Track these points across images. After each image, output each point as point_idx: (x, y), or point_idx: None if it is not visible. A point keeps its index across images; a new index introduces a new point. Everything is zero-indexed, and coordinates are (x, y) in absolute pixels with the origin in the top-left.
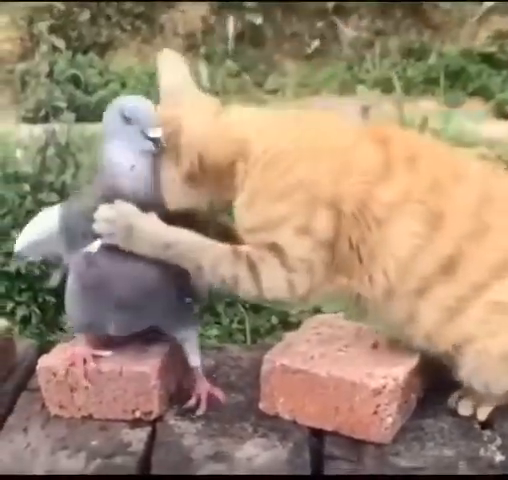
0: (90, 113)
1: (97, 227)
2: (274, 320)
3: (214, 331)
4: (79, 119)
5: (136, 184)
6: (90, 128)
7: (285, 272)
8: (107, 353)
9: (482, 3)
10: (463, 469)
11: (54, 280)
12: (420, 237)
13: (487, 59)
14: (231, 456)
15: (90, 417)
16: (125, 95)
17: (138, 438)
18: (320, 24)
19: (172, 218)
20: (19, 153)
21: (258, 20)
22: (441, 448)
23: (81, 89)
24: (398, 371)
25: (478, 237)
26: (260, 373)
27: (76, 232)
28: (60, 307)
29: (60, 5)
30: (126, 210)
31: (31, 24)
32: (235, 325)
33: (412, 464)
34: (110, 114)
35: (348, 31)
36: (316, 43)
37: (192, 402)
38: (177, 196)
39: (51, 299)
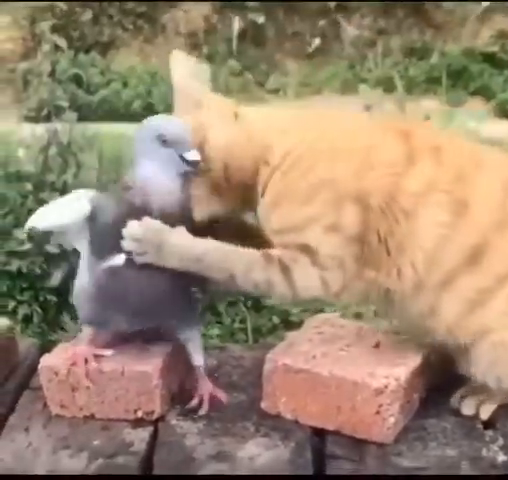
0: (92, 112)
1: (126, 245)
2: (275, 319)
3: (216, 330)
4: (81, 118)
5: (168, 201)
6: (92, 127)
7: (317, 270)
8: (108, 352)
9: (481, 2)
10: (465, 469)
11: (55, 279)
12: (446, 227)
13: (489, 59)
14: (233, 456)
15: (92, 417)
16: (159, 114)
17: (140, 438)
18: (322, 23)
19: (200, 226)
20: (21, 152)
21: (260, 19)
22: (443, 448)
23: (83, 88)
24: (400, 371)
25: (503, 227)
26: (262, 372)
27: (103, 233)
28: (62, 306)
29: (62, 5)
30: (155, 228)
31: (33, 24)
32: (237, 324)
33: (414, 464)
34: (145, 134)
35: (351, 29)
36: (317, 42)
37: (194, 402)
38: (204, 206)
39: (52, 298)
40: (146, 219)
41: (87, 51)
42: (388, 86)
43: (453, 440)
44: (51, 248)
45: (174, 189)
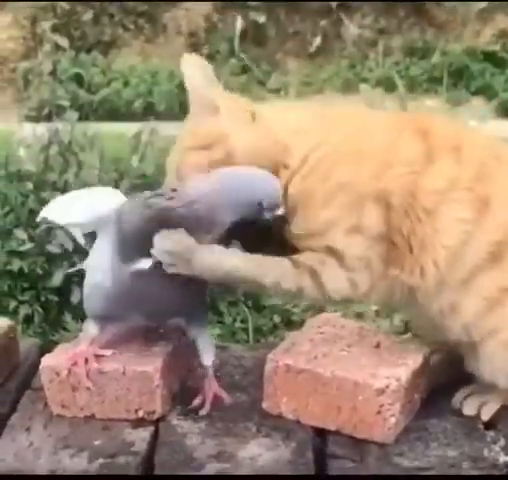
0: (93, 112)
1: (157, 255)
2: (277, 319)
3: (217, 330)
4: (82, 118)
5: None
6: (93, 127)
7: (345, 272)
8: (109, 352)
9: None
10: (467, 469)
11: (57, 279)
12: (468, 224)
13: (490, 58)
14: (234, 456)
15: (93, 417)
16: (258, 172)
17: (141, 438)
18: (323, 23)
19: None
20: (22, 152)
21: (261, 19)
22: (445, 448)
23: (84, 88)
24: (401, 371)
25: None
26: (263, 373)
27: (132, 237)
28: (63, 306)
29: (64, 4)
30: (184, 243)
31: (34, 23)
32: (238, 324)
33: (415, 464)
34: (245, 198)
35: (352, 28)
36: (318, 40)
37: (197, 402)
38: None
39: (54, 298)
40: (176, 234)
41: (88, 50)
42: (389, 85)
43: (454, 440)
44: (52, 248)
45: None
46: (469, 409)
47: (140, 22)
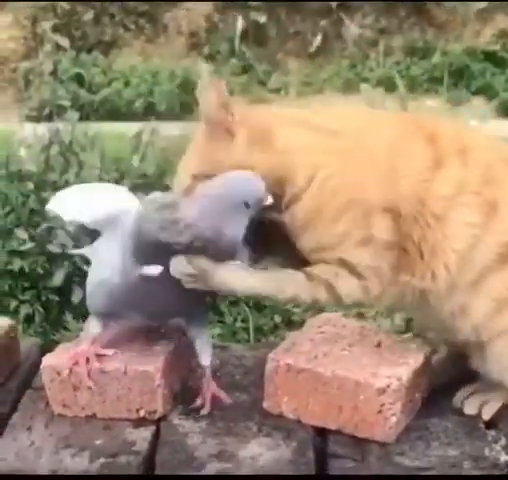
0: (94, 112)
1: (176, 275)
2: (277, 319)
3: (217, 330)
4: (83, 118)
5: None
6: (94, 127)
7: (357, 280)
8: (110, 352)
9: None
10: (468, 469)
11: (57, 279)
12: (477, 227)
13: (491, 57)
14: (235, 455)
15: (94, 416)
16: (239, 173)
17: (142, 437)
18: (324, 23)
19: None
20: (23, 152)
21: (262, 19)
22: (446, 448)
23: (85, 88)
24: (402, 370)
25: None
26: (264, 372)
27: (149, 242)
28: (64, 306)
29: (64, 4)
30: (201, 266)
31: (35, 23)
32: (238, 324)
33: (416, 463)
34: (229, 199)
35: (353, 28)
36: (318, 39)
37: (199, 402)
38: None
39: (54, 298)
40: (193, 259)
41: (89, 50)
42: (390, 85)
43: (455, 440)
44: (53, 248)
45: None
46: (470, 408)
47: (141, 22)
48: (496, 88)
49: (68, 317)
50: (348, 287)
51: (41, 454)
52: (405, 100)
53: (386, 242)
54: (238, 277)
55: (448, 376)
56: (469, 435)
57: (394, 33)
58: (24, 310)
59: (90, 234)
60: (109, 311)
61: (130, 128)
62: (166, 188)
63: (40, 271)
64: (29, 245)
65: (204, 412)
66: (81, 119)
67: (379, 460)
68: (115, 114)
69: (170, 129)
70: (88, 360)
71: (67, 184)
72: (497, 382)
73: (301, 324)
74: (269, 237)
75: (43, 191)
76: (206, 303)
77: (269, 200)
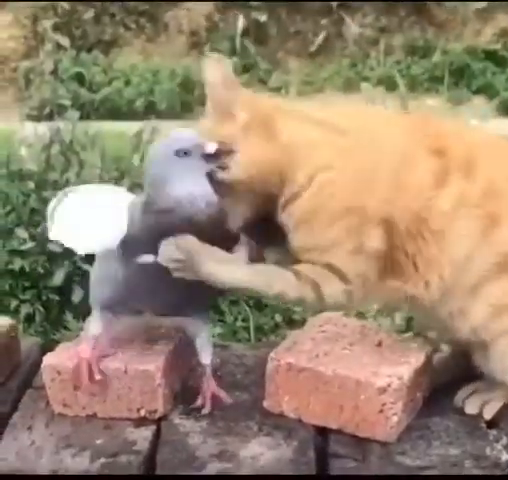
0: (94, 111)
1: (163, 262)
2: (278, 318)
3: (218, 329)
4: (83, 117)
5: (213, 209)
6: (94, 126)
7: (343, 285)
8: (112, 351)
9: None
10: (469, 468)
11: (58, 278)
12: (476, 238)
13: (491, 57)
14: (236, 455)
15: (94, 416)
16: (159, 137)
17: (143, 437)
18: (324, 22)
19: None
20: (23, 151)
21: (262, 18)
22: (447, 447)
23: (85, 87)
24: (403, 370)
25: None
26: (265, 371)
27: (138, 237)
28: (64, 305)
29: (65, 3)
30: (191, 249)
31: (35, 22)
32: (239, 323)
33: (417, 463)
34: (163, 155)
35: (353, 27)
36: (321, 37)
37: (200, 402)
38: (238, 215)
39: (55, 297)
40: (181, 240)
41: (89, 50)
42: (390, 84)
43: (456, 439)
44: (54, 247)
45: (211, 194)
46: (471, 408)
47: (141, 21)
48: (497, 87)
49: (68, 317)
50: (333, 290)
51: (41, 454)
52: (405, 99)
53: (376, 251)
54: (227, 268)
55: (449, 375)
56: (470, 434)
57: (394, 32)
58: (24, 309)
59: None
60: (112, 303)
61: (131, 127)
62: None
63: (40, 270)
64: (29, 244)
65: (205, 411)
66: (82, 118)
67: (380, 459)
68: (116, 113)
69: (171, 128)
70: (90, 366)
71: (68, 183)
72: (499, 381)
73: (302, 323)
74: (270, 236)
75: (44, 190)
76: (207, 301)
77: (210, 147)
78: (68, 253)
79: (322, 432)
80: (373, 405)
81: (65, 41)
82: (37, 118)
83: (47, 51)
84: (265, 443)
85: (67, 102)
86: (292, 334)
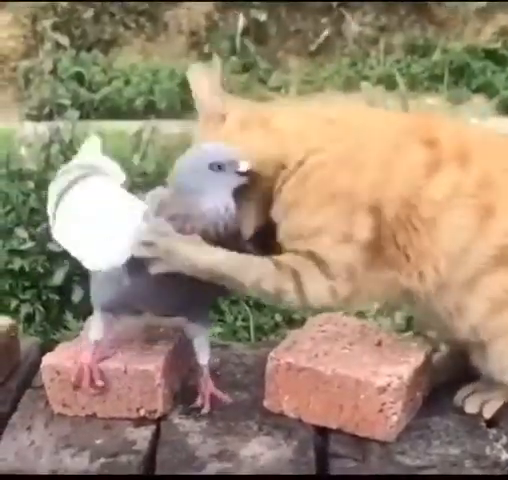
0: (94, 110)
1: (137, 252)
2: (278, 317)
3: (218, 329)
4: (83, 116)
5: (230, 222)
6: (94, 125)
7: (326, 280)
8: (111, 352)
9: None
10: (469, 467)
11: (58, 278)
12: (471, 230)
13: (491, 55)
14: (236, 455)
15: (94, 416)
16: (199, 145)
17: (142, 437)
18: (324, 20)
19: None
20: (23, 150)
21: (262, 17)
22: (447, 446)
23: (85, 86)
24: (403, 369)
25: None
26: (265, 371)
27: None
28: (64, 305)
29: (64, 3)
30: (165, 234)
31: (35, 22)
32: (239, 323)
33: (417, 462)
34: (194, 169)
35: (354, 26)
36: (323, 36)
37: (199, 401)
38: (251, 221)
39: (55, 297)
40: (156, 223)
41: (89, 49)
42: (390, 83)
43: (456, 438)
44: (53, 247)
45: (233, 207)
46: (471, 407)
47: (141, 21)
48: (496, 86)
49: (68, 316)
50: (316, 286)
51: (41, 454)
52: (405, 98)
53: (364, 242)
54: (203, 251)
55: (449, 375)
56: (470, 434)
57: (394, 31)
58: (24, 309)
59: None
60: (115, 306)
61: (130, 126)
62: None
63: (40, 270)
64: (29, 244)
65: (204, 411)
66: (81, 118)
67: (380, 459)
68: (115, 113)
69: (170, 127)
70: (91, 371)
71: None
72: (498, 381)
73: (302, 323)
74: (272, 239)
75: (43, 190)
76: (207, 302)
77: (244, 165)
78: (68, 253)
79: (322, 432)
80: (373, 405)
81: (65, 40)
82: (37, 118)
83: (47, 50)
84: (265, 443)
85: (67, 102)
86: (292, 334)
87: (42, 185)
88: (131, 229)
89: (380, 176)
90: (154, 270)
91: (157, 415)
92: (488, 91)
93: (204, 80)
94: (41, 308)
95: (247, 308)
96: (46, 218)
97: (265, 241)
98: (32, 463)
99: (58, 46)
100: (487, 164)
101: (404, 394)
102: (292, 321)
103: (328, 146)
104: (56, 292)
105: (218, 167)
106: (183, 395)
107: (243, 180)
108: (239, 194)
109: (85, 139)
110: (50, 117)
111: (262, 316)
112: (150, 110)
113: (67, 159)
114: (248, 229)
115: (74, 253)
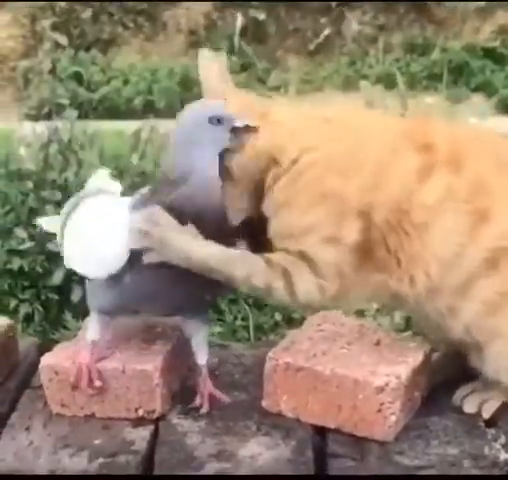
0: (93, 110)
1: (132, 243)
2: (278, 317)
3: (218, 328)
4: (82, 116)
5: (214, 193)
6: (93, 125)
7: (314, 278)
8: (108, 352)
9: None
10: (467, 467)
11: (57, 278)
12: (464, 235)
13: (490, 54)
14: (234, 455)
15: (93, 416)
16: (190, 102)
17: (141, 437)
18: (323, 20)
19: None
20: (22, 150)
21: (261, 16)
22: (445, 446)
23: (84, 86)
24: (401, 369)
25: None
26: (263, 371)
27: None
28: (63, 305)
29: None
30: (159, 219)
31: (34, 21)
32: (239, 322)
33: (416, 462)
34: (195, 121)
35: (354, 23)
36: (324, 34)
37: (198, 401)
38: (237, 209)
39: (54, 297)
40: (148, 212)
41: (88, 49)
42: (389, 82)
43: (455, 438)
44: (52, 246)
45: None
46: (470, 407)
47: (140, 20)
48: (496, 85)
49: (68, 316)
50: (305, 283)
51: (40, 454)
52: (405, 97)
53: (353, 245)
54: (197, 243)
55: (446, 374)
56: (469, 433)
57: (393, 30)
58: (24, 309)
59: None
60: (114, 308)
61: (129, 126)
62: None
63: (39, 270)
64: (28, 244)
65: (203, 411)
66: (80, 117)
67: (378, 459)
68: (114, 112)
69: (169, 127)
70: (90, 371)
71: (66, 183)
72: (495, 381)
73: (301, 322)
74: (263, 234)
75: (42, 190)
76: (206, 302)
77: (242, 122)
78: None
79: (320, 432)
80: (371, 404)
81: (63, 40)
82: (35, 117)
83: (45, 50)
84: (263, 443)
85: (65, 101)
86: (290, 333)
87: (41, 185)
88: (126, 234)
89: (372, 180)
90: (147, 259)
91: (155, 415)
92: (487, 90)
93: (214, 64)
94: (40, 308)
95: (247, 307)
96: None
97: (256, 237)
98: (31, 463)
99: (57, 46)
100: (481, 168)
101: (402, 394)
102: (292, 320)
103: (323, 145)
104: (55, 292)
105: (217, 121)
106: (181, 395)
107: (237, 141)
108: (229, 178)
109: (84, 139)
110: (49, 117)
111: (262, 315)
112: (149, 109)
113: (66, 159)
114: (236, 215)
115: (78, 271)
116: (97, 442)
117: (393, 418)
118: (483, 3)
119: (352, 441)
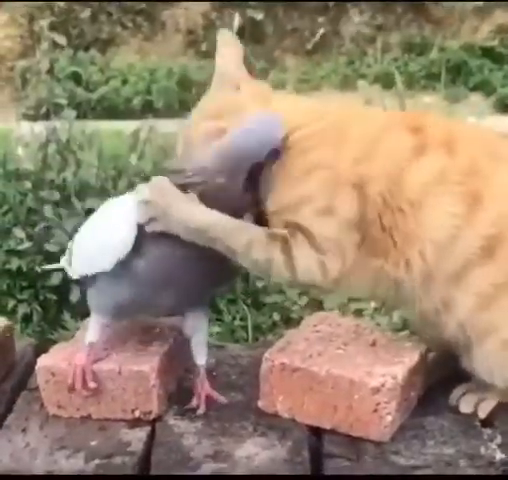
0: (91, 110)
1: (141, 216)
2: (276, 317)
3: (216, 328)
4: (80, 116)
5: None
6: (91, 125)
7: (315, 253)
8: (104, 354)
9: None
10: (463, 467)
11: (55, 278)
12: (458, 218)
13: (488, 53)
14: (231, 455)
15: (89, 417)
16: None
17: (137, 438)
18: (321, 19)
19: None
20: (20, 150)
21: (259, 16)
22: (441, 446)
23: (82, 86)
24: (397, 369)
25: None
26: (259, 371)
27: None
28: (62, 305)
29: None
30: (164, 189)
31: (32, 21)
32: (237, 322)
33: (412, 462)
34: (255, 148)
35: (354, 18)
36: (319, 33)
37: (194, 403)
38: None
39: (52, 297)
40: (157, 180)
41: (86, 49)
42: (387, 82)
43: (451, 438)
44: (51, 247)
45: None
46: (466, 406)
47: (138, 20)
48: (494, 84)
49: (66, 316)
50: (305, 258)
51: (36, 455)
52: (403, 97)
53: (349, 219)
54: (199, 209)
55: (442, 374)
56: (465, 433)
57: (392, 29)
58: (22, 309)
59: None
60: (118, 312)
61: (128, 126)
62: None
63: (38, 270)
64: (27, 244)
65: (199, 412)
66: (78, 117)
67: (374, 459)
68: (113, 112)
69: (168, 126)
70: (84, 373)
71: (65, 182)
72: (486, 382)
73: (299, 322)
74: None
75: (41, 190)
76: (206, 302)
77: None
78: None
79: (316, 432)
80: (367, 405)
81: (62, 40)
82: (34, 117)
83: (44, 50)
84: (260, 443)
85: (64, 101)
86: (286, 334)
87: (39, 185)
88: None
89: (364, 153)
90: (150, 228)
91: (152, 416)
92: (485, 89)
93: (234, 50)
94: (39, 308)
95: (245, 307)
96: (43, 218)
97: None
98: (27, 464)
99: (55, 46)
100: (474, 152)
101: (398, 394)
102: (290, 320)
103: (316, 122)
104: (54, 292)
105: (275, 153)
106: (178, 396)
107: (272, 160)
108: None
109: (82, 139)
110: (47, 117)
111: (260, 315)
112: (147, 109)
113: (64, 159)
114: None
115: (88, 269)
116: (93, 443)
117: (389, 418)
118: (481, 3)
119: (348, 441)
